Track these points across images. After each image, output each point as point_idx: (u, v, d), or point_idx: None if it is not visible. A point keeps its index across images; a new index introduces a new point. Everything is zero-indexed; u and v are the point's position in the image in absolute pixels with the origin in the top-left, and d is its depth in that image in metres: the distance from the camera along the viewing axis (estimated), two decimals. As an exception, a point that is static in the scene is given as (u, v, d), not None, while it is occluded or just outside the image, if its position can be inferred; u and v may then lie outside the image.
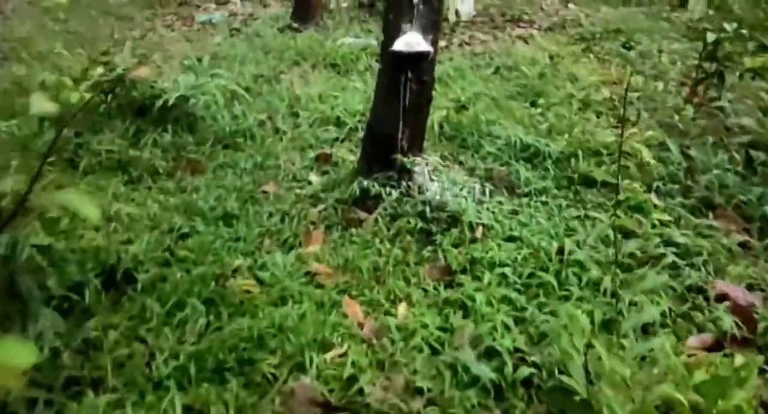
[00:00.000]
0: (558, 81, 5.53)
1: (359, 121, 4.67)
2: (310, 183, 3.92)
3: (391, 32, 3.40)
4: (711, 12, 7.43)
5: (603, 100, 5.11)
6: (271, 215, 3.54)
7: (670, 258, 3.03)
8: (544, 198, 3.67)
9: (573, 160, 4.00)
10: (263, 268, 3.03)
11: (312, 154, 4.23)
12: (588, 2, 9.12)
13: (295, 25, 7.63)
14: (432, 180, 3.58)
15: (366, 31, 7.47)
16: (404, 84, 3.43)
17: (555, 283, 2.85)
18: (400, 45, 3.29)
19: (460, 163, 4.06)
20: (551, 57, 6.36)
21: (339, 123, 4.69)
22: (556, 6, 8.92)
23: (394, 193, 3.49)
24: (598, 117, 4.78)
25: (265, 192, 3.83)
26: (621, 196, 3.54)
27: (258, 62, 6.20)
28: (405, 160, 3.56)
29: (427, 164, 3.61)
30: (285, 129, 4.62)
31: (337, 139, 4.47)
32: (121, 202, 3.58)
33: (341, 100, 5.10)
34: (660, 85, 5.45)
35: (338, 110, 4.83)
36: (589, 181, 3.82)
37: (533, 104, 5.05)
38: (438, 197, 3.48)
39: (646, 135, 4.18)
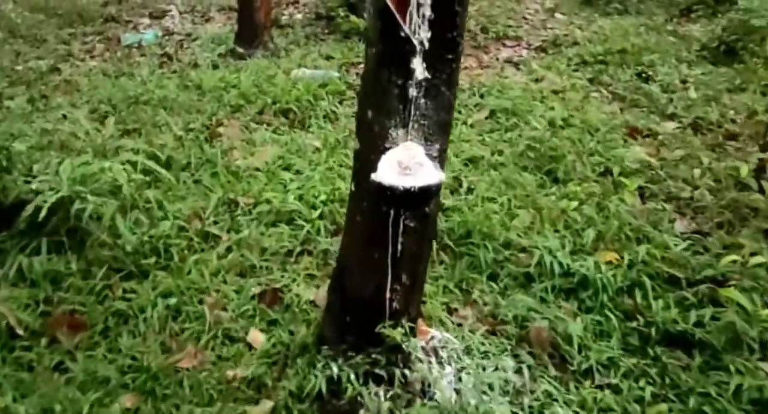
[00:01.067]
0: (573, 133, 4.13)
1: (321, 218, 3.22)
2: (250, 348, 2.48)
3: (369, 139, 1.96)
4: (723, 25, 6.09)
5: (642, 167, 3.73)
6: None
7: None
8: (612, 377, 2.30)
9: (639, 294, 2.63)
10: None
11: (254, 285, 2.77)
12: (574, 8, 7.74)
13: (240, 49, 6.09)
14: (442, 364, 2.18)
15: (325, 58, 5.97)
16: (394, 222, 2.00)
17: None
18: (387, 170, 1.85)
19: (474, 302, 2.65)
20: (555, 92, 4.97)
21: (294, 220, 3.23)
22: (542, 16, 7.51)
23: (382, 394, 2.08)
24: (644, 200, 3.40)
25: (178, 370, 2.38)
26: (737, 380, 2.19)
27: (189, 109, 4.68)
28: (397, 334, 2.14)
29: (433, 341, 2.20)
30: (217, 233, 3.15)
31: (290, 252, 3.01)
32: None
33: (297, 177, 3.63)
34: (697, 140, 4.11)
35: (292, 196, 3.37)
36: (673, 338, 2.45)
37: (552, 177, 3.65)
38: (453, 401, 2.07)
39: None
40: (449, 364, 2.18)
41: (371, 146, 1.95)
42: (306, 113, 4.67)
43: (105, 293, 2.72)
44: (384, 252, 2.09)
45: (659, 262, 2.75)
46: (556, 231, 3.03)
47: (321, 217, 3.24)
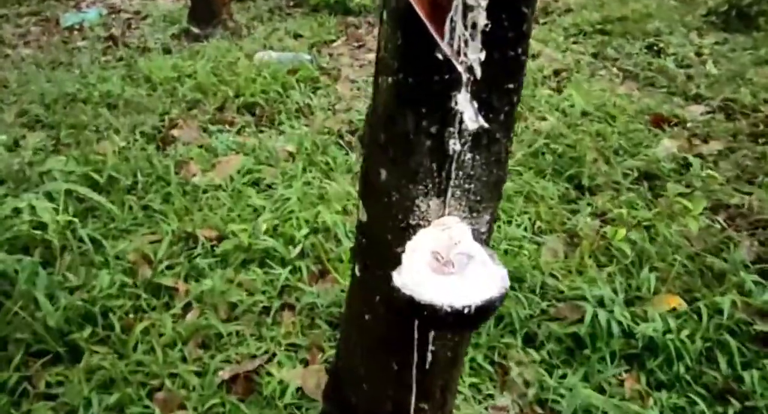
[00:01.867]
0: (589, 123, 3.43)
1: (303, 257, 2.50)
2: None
3: (383, 212, 1.23)
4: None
5: (675, 167, 3.06)
6: None
7: None
8: None
9: (722, 360, 1.98)
10: None
11: (220, 366, 2.06)
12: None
13: (195, 29, 5.23)
14: None
15: (292, 36, 5.15)
16: (422, 340, 1.30)
17: None
18: (416, 269, 1.13)
19: (512, 384, 1.97)
20: (556, 72, 4.25)
21: (268, 260, 2.50)
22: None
23: None
24: (688, 214, 2.72)
25: None
26: None
27: (137, 108, 3.86)
28: (428, 472, 1.46)
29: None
30: (171, 285, 2.40)
31: (267, 310, 2.29)
32: None
33: (268, 197, 2.89)
34: (732, 127, 3.45)
35: (264, 226, 2.63)
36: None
37: (574, 183, 2.96)
38: None
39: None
40: None
41: (386, 222, 1.23)
42: (275, 108, 3.89)
43: (23, 388, 1.99)
44: (406, 362, 1.39)
45: (738, 310, 2.10)
46: (600, 266, 2.35)
47: (302, 255, 2.51)
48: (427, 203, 1.19)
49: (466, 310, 1.07)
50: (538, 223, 2.64)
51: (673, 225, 2.52)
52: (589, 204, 2.76)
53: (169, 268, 2.48)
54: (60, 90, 4.06)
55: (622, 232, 2.37)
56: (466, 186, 1.18)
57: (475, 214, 1.22)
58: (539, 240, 2.51)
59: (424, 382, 1.43)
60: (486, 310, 1.09)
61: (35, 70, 4.64)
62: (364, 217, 1.31)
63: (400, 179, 1.18)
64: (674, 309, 2.13)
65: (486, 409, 1.86)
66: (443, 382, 1.47)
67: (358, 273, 1.39)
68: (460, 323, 1.12)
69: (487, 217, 1.25)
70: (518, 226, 2.59)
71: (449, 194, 1.17)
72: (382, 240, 1.26)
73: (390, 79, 1.10)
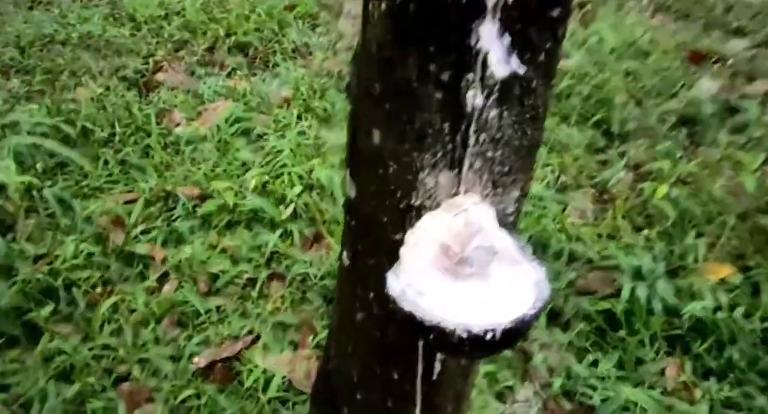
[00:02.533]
0: (618, 61, 3.03)
1: (295, 218, 2.18)
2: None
3: (377, 187, 0.90)
4: None
5: (717, 110, 2.67)
6: None
7: None
8: None
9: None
10: None
11: (196, 350, 1.77)
12: None
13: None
14: None
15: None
16: (426, 349, 0.99)
17: None
18: (420, 269, 0.81)
19: (534, 373, 1.66)
20: (581, 5, 3.80)
21: (256, 222, 2.19)
22: None
23: None
24: (742, 168, 2.34)
25: None
26: None
27: (120, 50, 3.48)
28: None
29: None
30: (145, 253, 2.09)
31: (252, 281, 1.98)
32: None
33: (258, 149, 2.55)
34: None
35: (253, 182, 2.30)
36: None
37: (602, 130, 2.59)
38: None
39: None
40: None
41: (381, 201, 0.90)
42: (269, 47, 3.50)
43: (-27, 375, 1.71)
44: (409, 371, 1.09)
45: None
46: (636, 229, 2.02)
47: (294, 216, 2.19)
48: (435, 177, 0.85)
49: (488, 336, 0.75)
50: (563, 177, 2.29)
51: (719, 180, 2.16)
52: (620, 154, 2.40)
53: (144, 232, 2.17)
54: (37, 31, 3.68)
55: (663, 188, 2.02)
56: (490, 154, 0.83)
57: (500, 191, 0.88)
58: (564, 198, 2.17)
59: (430, 393, 1.12)
60: (515, 333, 0.77)
61: (12, 10, 4.23)
62: (352, 193, 0.97)
63: (400, 144, 0.84)
64: (724, 281, 1.81)
65: (504, 402, 1.57)
66: (455, 392, 1.17)
67: (346, 261, 1.07)
68: (480, 350, 0.80)
69: (515, 194, 0.91)
70: (540, 181, 2.24)
71: (466, 165, 0.83)
72: (375, 223, 0.93)
73: (384, 5, 0.74)
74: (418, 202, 0.87)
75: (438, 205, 0.86)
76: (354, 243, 1.02)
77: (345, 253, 1.07)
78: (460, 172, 0.84)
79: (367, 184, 0.92)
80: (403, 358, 1.08)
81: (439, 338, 0.76)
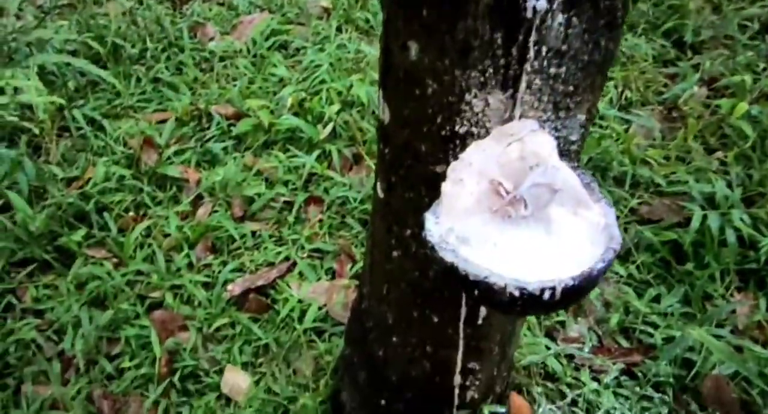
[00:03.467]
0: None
1: (334, 139, 2.05)
2: (228, 401, 1.46)
3: (413, 111, 0.76)
4: None
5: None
6: None
7: None
8: None
9: None
10: None
11: (230, 277, 1.69)
12: None
13: None
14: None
15: None
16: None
17: None
18: (464, 210, 0.67)
19: (589, 309, 1.54)
20: None
21: (293, 143, 2.07)
22: None
23: None
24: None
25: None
26: None
27: None
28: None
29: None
30: (178, 176, 2.00)
31: (289, 204, 1.88)
32: None
33: (296, 64, 2.39)
34: None
35: (290, 101, 2.16)
36: None
37: (672, 40, 2.33)
38: None
39: None
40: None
41: (419, 127, 0.76)
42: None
43: (6, 301, 1.69)
44: (452, 316, 0.98)
45: None
46: (710, 152, 1.82)
47: (333, 135, 2.06)
48: (484, 99, 0.70)
49: (546, 295, 0.61)
50: (627, 92, 2.07)
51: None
52: (693, 67, 2.15)
53: (177, 154, 2.08)
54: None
55: (743, 105, 1.80)
56: (553, 69, 0.67)
57: (563, 115, 0.73)
58: (629, 117, 1.97)
59: (475, 338, 1.02)
60: (579, 291, 0.63)
61: None
62: (386, 117, 0.82)
63: (441, 59, 0.68)
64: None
65: (554, 340, 1.46)
66: (502, 335, 1.06)
67: (381, 193, 0.94)
68: (535, 309, 0.67)
69: (581, 118, 0.75)
70: (605, 99, 2.04)
71: (523, 84, 0.68)
72: (411, 152, 0.80)
73: None
74: (462, 129, 0.73)
75: (487, 133, 0.72)
76: (388, 174, 0.89)
77: (379, 184, 0.94)
78: (515, 92, 0.69)
79: (403, 107, 0.77)
80: (443, 301, 0.97)
81: (486, 295, 0.63)
